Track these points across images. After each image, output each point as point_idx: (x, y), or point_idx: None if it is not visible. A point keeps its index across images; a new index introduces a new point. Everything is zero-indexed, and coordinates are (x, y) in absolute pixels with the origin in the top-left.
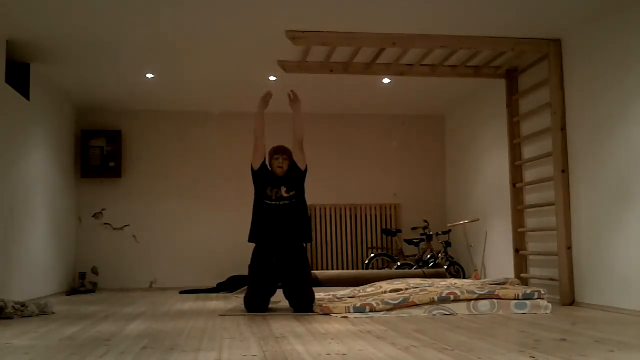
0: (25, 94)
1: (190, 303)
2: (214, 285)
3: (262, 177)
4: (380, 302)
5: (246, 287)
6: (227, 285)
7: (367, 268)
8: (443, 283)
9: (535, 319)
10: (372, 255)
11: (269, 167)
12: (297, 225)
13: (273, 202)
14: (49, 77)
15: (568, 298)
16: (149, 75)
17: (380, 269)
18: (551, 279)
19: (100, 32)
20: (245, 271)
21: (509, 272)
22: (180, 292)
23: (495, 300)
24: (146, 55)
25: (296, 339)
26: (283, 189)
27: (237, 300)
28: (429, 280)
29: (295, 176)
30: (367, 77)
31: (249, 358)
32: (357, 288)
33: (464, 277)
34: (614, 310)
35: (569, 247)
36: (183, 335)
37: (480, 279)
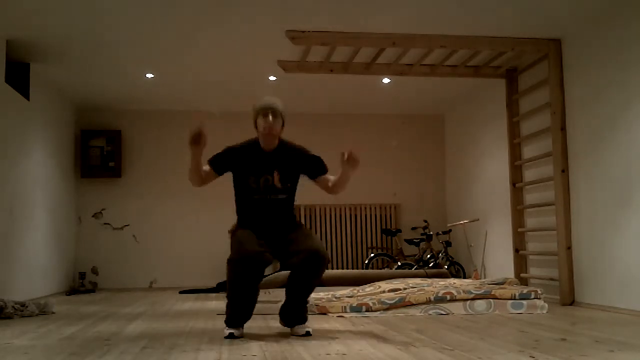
0: (25, 94)
1: (190, 303)
2: (214, 285)
3: (237, 162)
4: (376, 302)
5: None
6: None
7: (367, 268)
8: (442, 283)
9: (535, 319)
10: (372, 255)
11: (255, 125)
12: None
13: (261, 197)
14: (49, 77)
15: (568, 298)
16: (149, 75)
17: (380, 269)
18: (551, 279)
19: (100, 32)
20: None
21: (509, 272)
22: (180, 292)
23: (491, 300)
24: (146, 55)
25: (296, 339)
26: (276, 176)
27: None
28: (428, 280)
29: (298, 160)
30: (367, 77)
31: (249, 358)
32: (357, 288)
33: (464, 277)
34: (614, 310)
35: (569, 247)
36: (183, 335)
37: (480, 278)
